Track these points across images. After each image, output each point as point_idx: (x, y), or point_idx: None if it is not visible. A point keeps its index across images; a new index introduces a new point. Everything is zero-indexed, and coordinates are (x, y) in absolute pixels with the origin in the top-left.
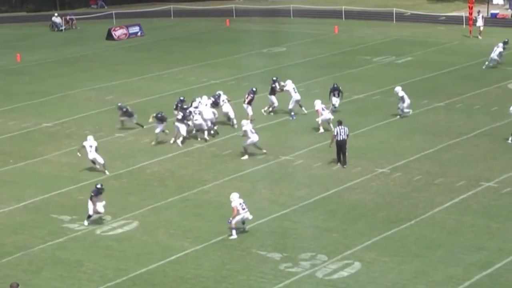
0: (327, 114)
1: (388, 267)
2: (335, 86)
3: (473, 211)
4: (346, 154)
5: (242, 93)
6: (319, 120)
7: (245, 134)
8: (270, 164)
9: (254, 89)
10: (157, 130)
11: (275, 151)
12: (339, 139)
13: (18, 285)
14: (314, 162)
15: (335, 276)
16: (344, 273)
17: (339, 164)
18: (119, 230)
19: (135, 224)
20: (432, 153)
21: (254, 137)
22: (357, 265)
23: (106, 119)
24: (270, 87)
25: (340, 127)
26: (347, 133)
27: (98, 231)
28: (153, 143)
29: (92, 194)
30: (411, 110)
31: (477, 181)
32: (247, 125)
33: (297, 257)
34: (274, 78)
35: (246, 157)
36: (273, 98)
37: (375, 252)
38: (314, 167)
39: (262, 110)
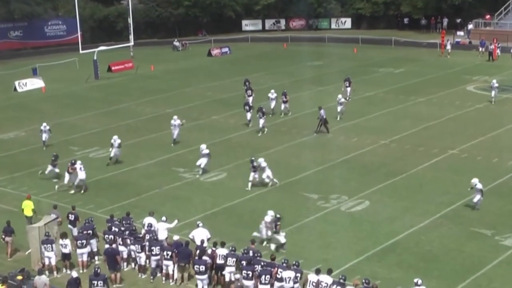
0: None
1: (387, 204)
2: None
3: (443, 169)
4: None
5: (293, 91)
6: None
7: None
8: (312, 137)
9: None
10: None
11: (315, 128)
12: (324, 117)
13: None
14: (339, 136)
15: (353, 209)
16: (358, 208)
17: (315, 134)
18: (214, 178)
19: (224, 174)
20: (417, 131)
21: None
22: (367, 203)
23: (207, 107)
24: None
25: (322, 111)
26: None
27: (201, 179)
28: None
29: None
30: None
31: (445, 149)
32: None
33: (328, 197)
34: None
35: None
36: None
37: (379, 195)
38: (339, 139)
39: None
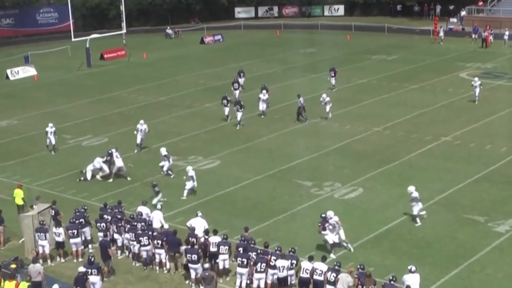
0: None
1: (380, 191)
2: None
3: (436, 156)
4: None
5: (286, 78)
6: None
7: None
8: (305, 125)
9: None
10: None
11: (309, 116)
12: (303, 105)
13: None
14: (333, 123)
15: (346, 196)
16: (352, 195)
17: (299, 121)
18: (208, 166)
19: (218, 162)
20: (410, 118)
21: None
22: (360, 190)
23: (199, 95)
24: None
25: (301, 98)
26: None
27: (194, 166)
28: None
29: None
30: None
31: (438, 136)
32: None
33: (322, 184)
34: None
35: None
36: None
37: (372, 182)
38: (333, 126)
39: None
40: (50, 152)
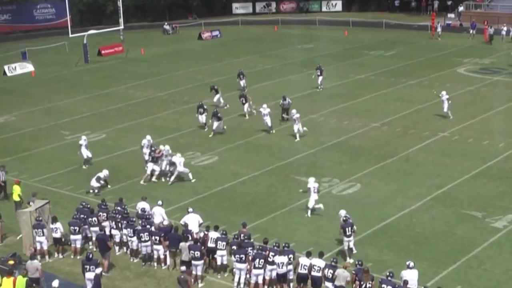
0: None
1: (378, 187)
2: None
3: (434, 151)
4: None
5: (284, 74)
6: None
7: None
8: (303, 121)
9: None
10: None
11: (306, 111)
12: (285, 107)
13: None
14: (330, 119)
15: (344, 192)
16: (350, 191)
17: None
18: (206, 162)
19: (216, 158)
20: (407, 113)
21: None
22: (358, 185)
23: (197, 90)
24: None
25: (288, 99)
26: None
27: (192, 162)
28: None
29: None
30: None
31: (436, 132)
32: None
33: (319, 180)
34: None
35: None
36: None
37: (370, 177)
38: (330, 122)
39: None
40: (83, 166)
